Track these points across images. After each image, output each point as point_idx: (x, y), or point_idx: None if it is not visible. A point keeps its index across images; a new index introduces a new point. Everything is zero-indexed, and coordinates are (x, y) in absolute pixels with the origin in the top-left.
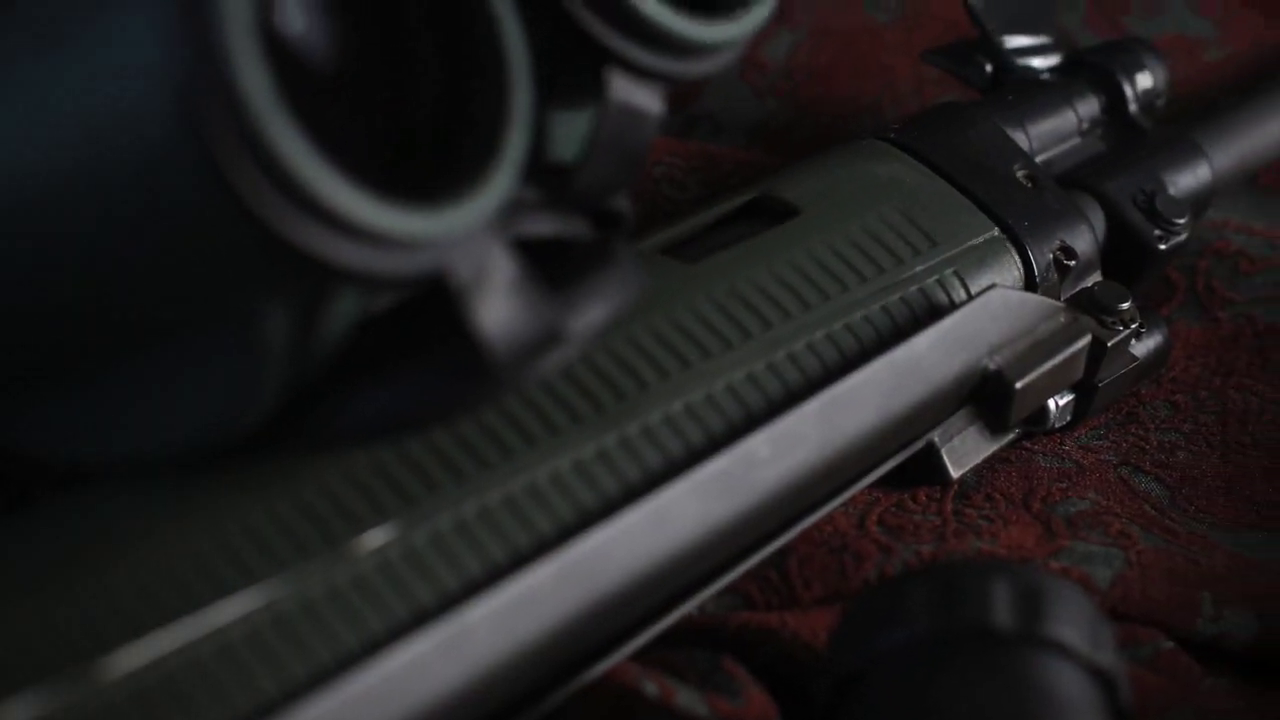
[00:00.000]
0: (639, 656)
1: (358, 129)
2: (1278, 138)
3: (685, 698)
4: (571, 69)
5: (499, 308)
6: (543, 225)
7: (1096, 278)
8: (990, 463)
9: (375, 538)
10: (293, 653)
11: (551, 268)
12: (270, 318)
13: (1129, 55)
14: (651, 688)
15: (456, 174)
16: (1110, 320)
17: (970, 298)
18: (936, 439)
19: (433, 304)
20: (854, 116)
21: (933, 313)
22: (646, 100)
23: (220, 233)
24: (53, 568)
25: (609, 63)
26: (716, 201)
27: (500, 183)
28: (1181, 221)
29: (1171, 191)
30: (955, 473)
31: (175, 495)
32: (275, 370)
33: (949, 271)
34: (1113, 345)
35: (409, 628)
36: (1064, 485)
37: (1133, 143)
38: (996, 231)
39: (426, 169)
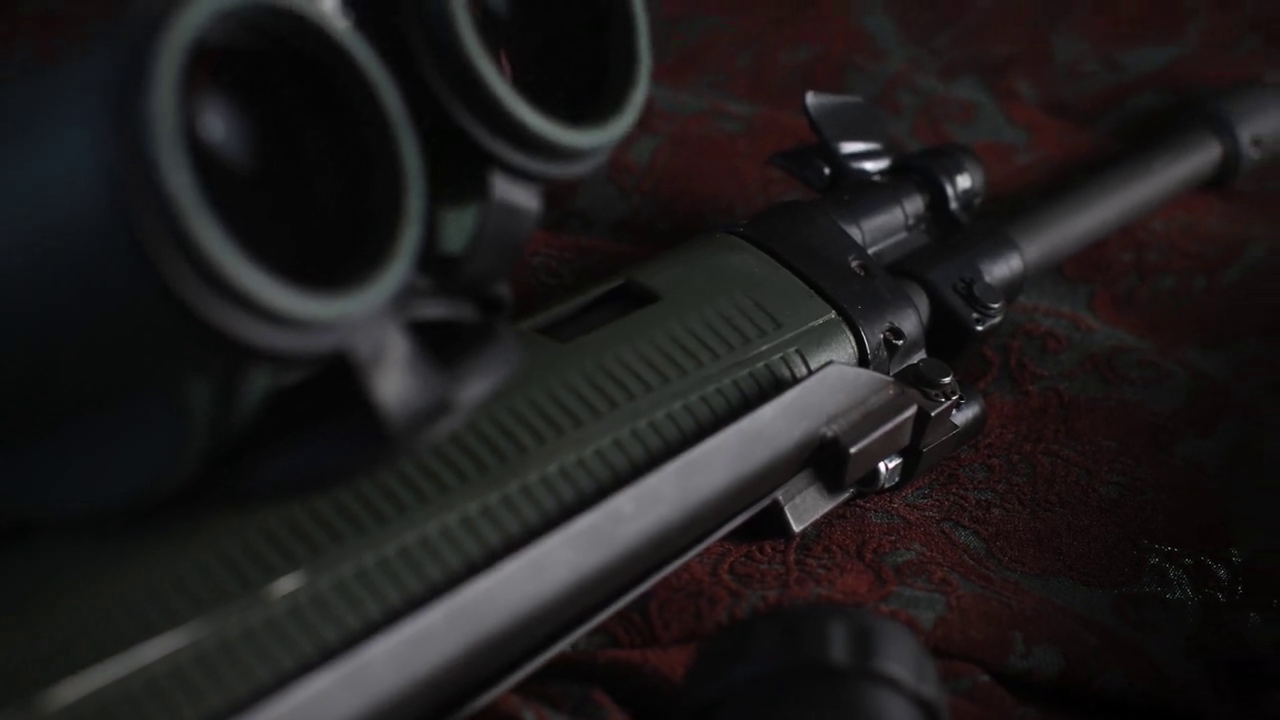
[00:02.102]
0: (519, 689)
1: (271, 222)
2: (1079, 233)
3: None
4: (459, 171)
5: (395, 382)
6: (434, 309)
7: (922, 355)
8: (828, 518)
9: (286, 584)
10: (212, 686)
11: (442, 346)
12: (193, 390)
13: (950, 159)
14: (530, 716)
15: (358, 263)
16: (933, 393)
17: (810, 373)
18: (780, 497)
19: (336, 378)
20: (708, 213)
21: (777, 386)
22: (525, 199)
23: (149, 316)
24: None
25: (493, 166)
26: (587, 288)
27: (396, 272)
28: (996, 306)
29: (987, 279)
30: (797, 527)
31: (110, 546)
32: (198, 436)
33: (791, 350)
34: (935, 415)
35: (316, 664)
36: (892, 538)
37: (953, 236)
38: (833, 315)
39: (332, 258)
